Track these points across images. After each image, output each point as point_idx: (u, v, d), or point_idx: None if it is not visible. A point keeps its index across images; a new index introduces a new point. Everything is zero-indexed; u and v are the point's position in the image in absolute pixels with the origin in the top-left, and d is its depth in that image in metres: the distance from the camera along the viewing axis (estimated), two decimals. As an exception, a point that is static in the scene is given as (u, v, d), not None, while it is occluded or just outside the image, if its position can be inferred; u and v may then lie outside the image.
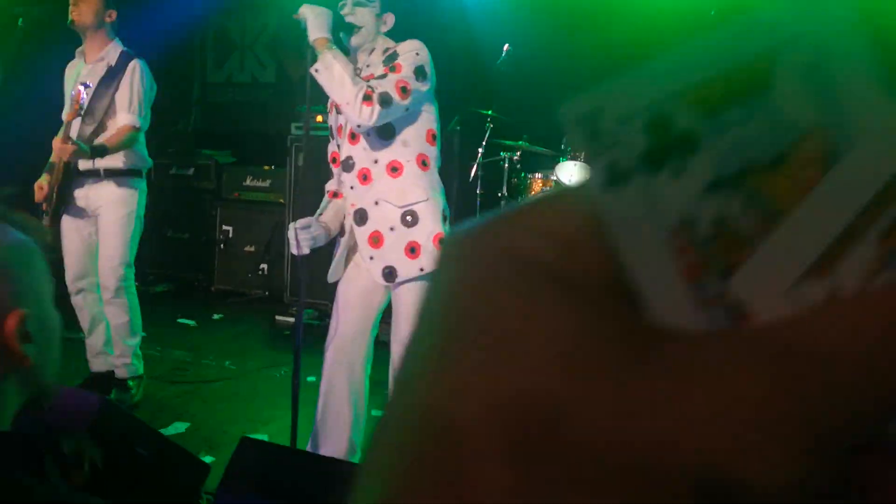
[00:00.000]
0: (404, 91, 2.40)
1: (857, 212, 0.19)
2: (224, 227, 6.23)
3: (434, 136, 2.58)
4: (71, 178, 3.40)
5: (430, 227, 2.51)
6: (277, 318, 5.36)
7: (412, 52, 2.47)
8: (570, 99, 0.22)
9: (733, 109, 0.20)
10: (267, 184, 6.15)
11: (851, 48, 0.20)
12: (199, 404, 3.61)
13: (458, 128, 6.06)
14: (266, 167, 6.21)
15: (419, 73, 2.46)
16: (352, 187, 2.55)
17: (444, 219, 2.57)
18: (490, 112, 5.83)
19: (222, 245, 6.22)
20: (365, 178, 2.52)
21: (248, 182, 6.25)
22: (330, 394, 2.60)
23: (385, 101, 2.36)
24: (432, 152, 2.58)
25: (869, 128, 0.19)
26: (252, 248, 6.15)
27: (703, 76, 0.20)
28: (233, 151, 6.72)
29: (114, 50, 3.49)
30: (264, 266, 6.07)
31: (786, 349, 0.19)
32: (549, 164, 5.94)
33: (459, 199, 6.20)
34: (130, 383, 3.57)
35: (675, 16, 6.01)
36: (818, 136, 0.20)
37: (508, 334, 0.20)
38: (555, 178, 5.54)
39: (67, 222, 3.49)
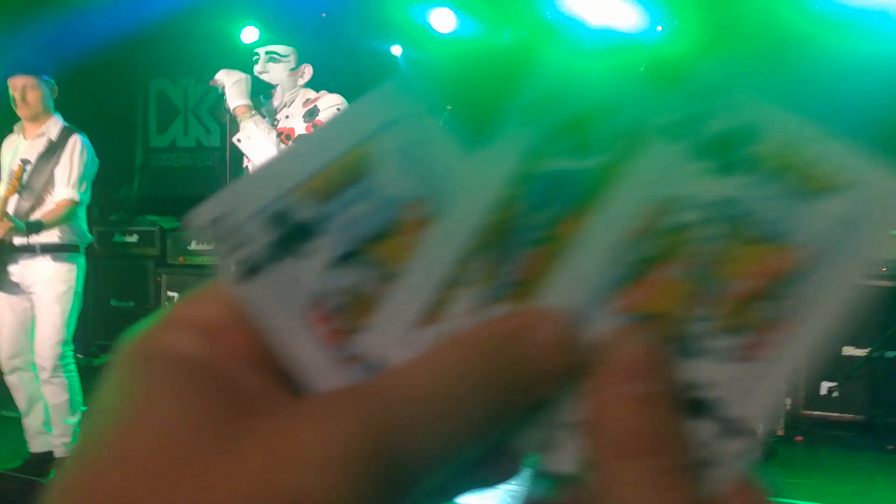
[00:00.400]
0: None
1: (454, 262, 0.23)
2: (169, 294, 6.11)
3: None
4: (5, 253, 3.31)
5: None
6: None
7: (333, 108, 2.50)
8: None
9: (345, 194, 0.24)
10: (213, 247, 6.07)
11: (439, 125, 0.24)
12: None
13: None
14: (212, 231, 6.14)
15: None
16: None
17: None
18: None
19: (168, 312, 6.08)
20: None
21: (193, 246, 6.16)
22: None
23: None
24: None
25: (454, 189, 0.23)
26: (199, 314, 6.03)
27: (317, 168, 0.24)
28: (177, 216, 6.63)
29: (54, 125, 3.44)
30: (212, 332, 5.95)
31: (376, 394, 0.22)
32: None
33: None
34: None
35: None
36: (417, 204, 0.24)
37: (121, 432, 0.22)
38: None
39: (1, 300, 3.37)
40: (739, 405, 0.23)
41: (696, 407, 0.23)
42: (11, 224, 3.19)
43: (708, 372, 0.23)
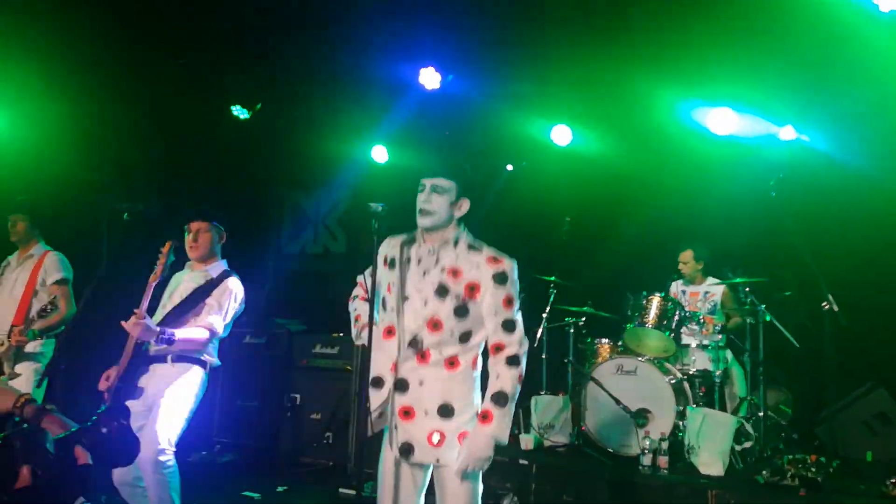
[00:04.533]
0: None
1: None
2: (291, 395, 6.31)
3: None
4: (139, 359, 3.49)
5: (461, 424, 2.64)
6: (341, 490, 5.27)
7: (516, 280, 2.67)
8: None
9: None
10: (335, 351, 6.28)
11: None
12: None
13: (524, 294, 6.13)
14: (335, 334, 6.36)
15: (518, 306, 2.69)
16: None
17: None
18: (553, 278, 5.94)
19: (289, 413, 6.27)
20: (423, 357, 2.64)
21: (317, 349, 6.39)
22: None
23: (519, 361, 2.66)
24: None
25: None
26: (318, 416, 6.17)
27: None
28: (302, 320, 6.94)
29: (218, 267, 3.79)
30: (329, 434, 6.05)
31: None
32: (615, 329, 5.90)
33: (525, 365, 6.15)
34: None
35: (726, 180, 6.16)
36: None
37: None
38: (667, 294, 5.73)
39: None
40: None
41: None
42: (143, 323, 3.33)
43: None
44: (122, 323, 3.34)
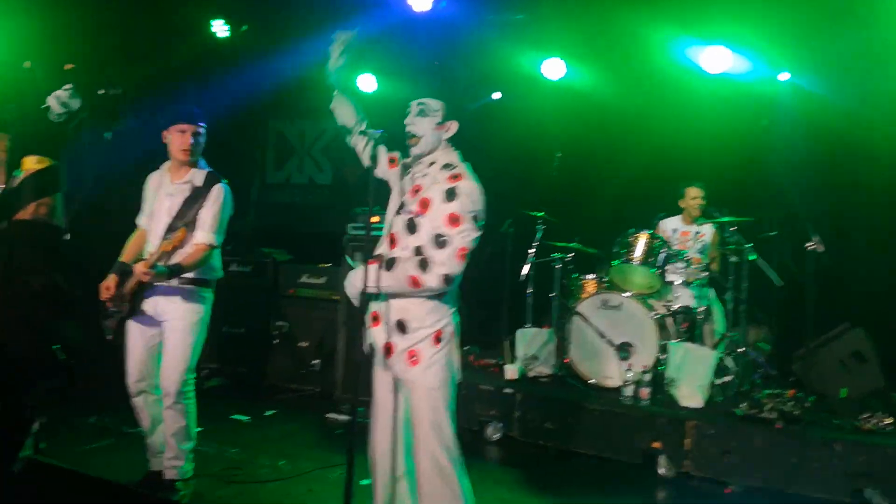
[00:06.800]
0: (465, 258, 2.54)
1: None
2: (279, 323, 6.34)
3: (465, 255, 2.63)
4: (144, 288, 3.49)
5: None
6: (329, 415, 5.35)
7: (469, 197, 2.53)
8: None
9: None
10: (322, 281, 6.28)
11: None
12: (253, 504, 3.58)
13: (511, 230, 6.17)
14: (322, 265, 6.35)
15: (478, 223, 2.56)
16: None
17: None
18: (541, 214, 5.94)
19: (276, 340, 6.31)
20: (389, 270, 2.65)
21: (303, 279, 6.39)
22: None
23: (452, 279, 2.54)
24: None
25: None
26: (306, 344, 6.22)
27: None
28: (289, 250, 6.91)
29: (199, 172, 3.62)
30: (317, 362, 6.11)
31: None
32: (602, 265, 5.96)
33: (510, 300, 6.24)
34: (179, 485, 3.56)
35: (717, 119, 6.15)
36: None
37: None
38: (655, 231, 5.74)
39: (132, 326, 3.54)
40: None
41: None
42: (156, 273, 3.33)
43: None
44: (134, 267, 3.34)
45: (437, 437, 2.59)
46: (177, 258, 3.44)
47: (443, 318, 2.64)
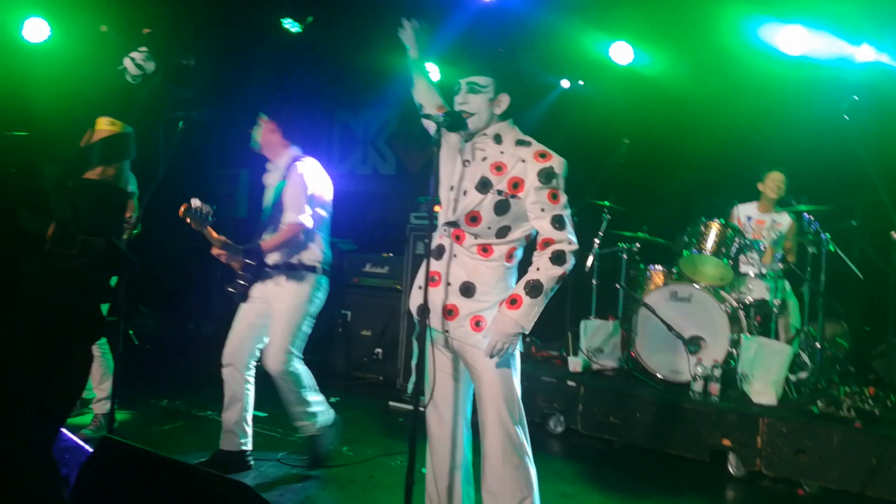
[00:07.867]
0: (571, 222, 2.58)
1: None
2: (342, 311, 6.41)
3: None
4: (261, 272, 3.70)
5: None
6: (392, 403, 5.40)
7: (563, 177, 2.57)
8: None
9: None
10: (385, 270, 6.32)
11: None
12: (318, 490, 3.63)
13: (576, 218, 6.02)
14: (385, 254, 6.39)
15: (566, 203, 2.58)
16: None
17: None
18: (607, 203, 5.81)
19: (340, 329, 6.39)
20: (458, 238, 2.63)
21: (367, 268, 6.44)
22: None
23: (565, 259, 2.53)
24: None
25: None
26: (368, 333, 6.28)
27: None
28: (353, 239, 6.98)
29: (286, 158, 3.83)
30: (379, 350, 6.16)
31: None
32: (670, 255, 5.79)
33: (575, 290, 6.13)
34: (249, 459, 3.72)
35: (794, 104, 5.87)
36: None
37: None
38: (728, 220, 5.61)
39: (245, 306, 3.74)
40: None
41: None
42: (225, 252, 3.57)
43: None
44: (212, 250, 3.60)
45: (509, 409, 2.53)
46: (264, 239, 3.69)
47: (509, 289, 2.59)
